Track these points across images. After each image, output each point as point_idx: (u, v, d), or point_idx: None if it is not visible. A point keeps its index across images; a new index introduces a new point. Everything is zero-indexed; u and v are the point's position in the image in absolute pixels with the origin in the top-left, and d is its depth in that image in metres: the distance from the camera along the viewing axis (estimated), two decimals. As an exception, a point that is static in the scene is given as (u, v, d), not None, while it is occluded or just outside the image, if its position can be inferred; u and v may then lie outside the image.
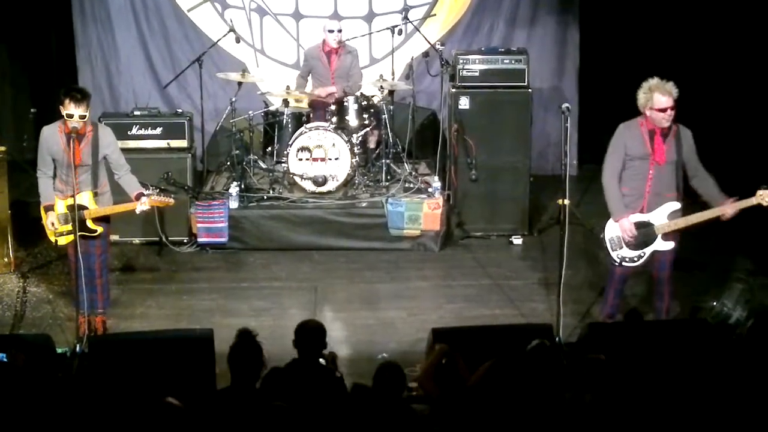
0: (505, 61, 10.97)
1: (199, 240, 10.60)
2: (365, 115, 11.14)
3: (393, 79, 11.59)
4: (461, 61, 10.95)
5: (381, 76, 11.36)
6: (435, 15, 12.70)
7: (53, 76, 12.92)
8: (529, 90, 10.93)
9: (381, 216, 10.67)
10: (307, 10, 12.83)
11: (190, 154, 10.95)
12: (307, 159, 10.81)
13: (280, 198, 10.86)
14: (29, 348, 7.42)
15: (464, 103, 10.91)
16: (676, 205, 8.16)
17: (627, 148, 8.18)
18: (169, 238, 10.58)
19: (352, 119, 11.09)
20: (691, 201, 8.30)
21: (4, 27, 12.78)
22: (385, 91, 11.25)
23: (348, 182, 10.98)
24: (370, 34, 12.56)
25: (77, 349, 7.92)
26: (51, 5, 12.73)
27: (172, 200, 8.60)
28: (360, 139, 11.09)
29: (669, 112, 8.02)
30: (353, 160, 10.84)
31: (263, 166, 11.29)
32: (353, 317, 9.21)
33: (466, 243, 10.87)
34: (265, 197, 10.86)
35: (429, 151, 11.75)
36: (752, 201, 7.93)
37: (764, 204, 7.89)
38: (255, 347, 6.24)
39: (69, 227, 8.23)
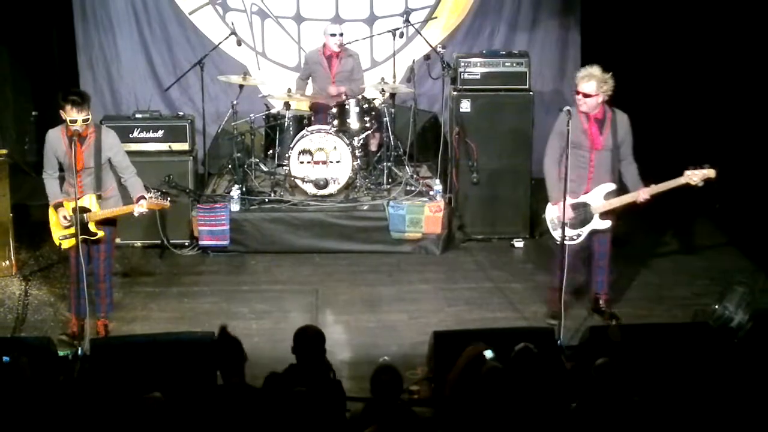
0: (506, 63, 10.97)
1: (201, 243, 10.60)
2: (366, 118, 11.14)
3: (394, 82, 11.58)
4: (462, 63, 10.96)
5: (382, 79, 11.36)
6: (436, 18, 12.70)
7: (55, 80, 12.92)
8: (531, 93, 10.94)
9: (382, 219, 10.67)
10: (308, 13, 12.83)
11: (191, 157, 10.95)
12: (309, 162, 10.80)
13: (282, 201, 10.86)
14: (31, 351, 7.43)
15: (465, 106, 10.91)
16: (612, 186, 8.61)
17: (564, 135, 8.39)
18: (171, 241, 10.59)
19: (353, 122, 11.10)
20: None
21: (6, 30, 12.77)
22: (387, 94, 11.26)
23: (349, 185, 10.98)
24: (371, 37, 12.56)
25: (79, 352, 7.92)
26: (52, 9, 12.74)
27: (167, 203, 8.59)
28: (361, 142, 11.09)
29: (583, 98, 8.49)
30: (354, 163, 10.84)
31: (264, 169, 11.30)
32: (354, 320, 9.21)
33: (468, 246, 10.87)
34: (267, 200, 10.86)
35: (430, 154, 11.75)
36: (681, 181, 8.49)
37: (692, 183, 8.43)
38: (234, 342, 6.40)
39: (72, 230, 8.23)
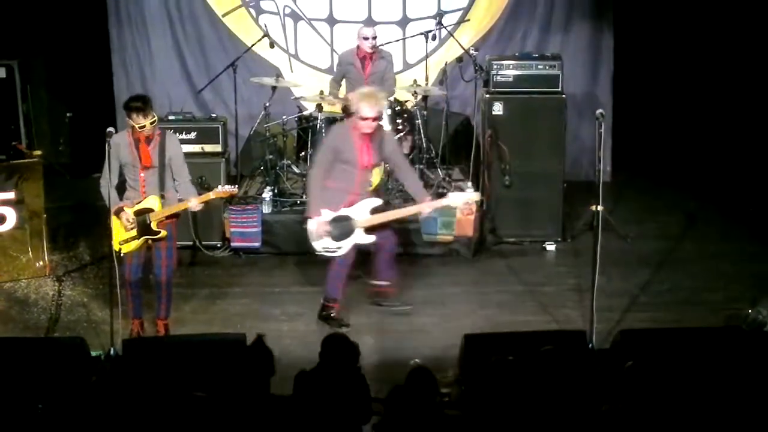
0: (539, 66, 10.94)
1: (233, 244, 10.64)
2: (399, 121, 11.13)
3: (427, 84, 11.57)
4: (495, 66, 10.94)
5: (415, 81, 11.36)
6: (469, 20, 12.68)
7: (89, 81, 13.01)
8: (563, 96, 10.91)
9: (414, 221, 10.66)
10: (341, 15, 12.85)
11: (223, 159, 10.99)
12: (341, 164, 10.80)
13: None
14: (64, 351, 7.49)
15: (498, 108, 10.89)
16: (378, 201, 8.86)
17: (337, 150, 8.72)
18: (203, 243, 10.63)
19: (385, 124, 11.06)
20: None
21: (41, 33, 12.88)
22: (419, 97, 11.24)
23: (381, 187, 10.95)
24: (404, 39, 12.57)
25: (111, 352, 7.97)
26: (87, 11, 12.81)
27: (235, 189, 8.75)
28: (393, 144, 11.07)
29: (371, 121, 8.60)
30: (386, 165, 10.83)
31: (296, 170, 11.31)
32: (386, 322, 9.20)
33: (499, 249, 10.84)
34: (299, 202, 10.87)
35: (462, 157, 11.74)
36: (443, 202, 8.92)
37: (452, 206, 8.93)
38: (266, 353, 6.44)
39: (133, 233, 8.38)
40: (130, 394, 6.72)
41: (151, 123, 8.26)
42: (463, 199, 8.91)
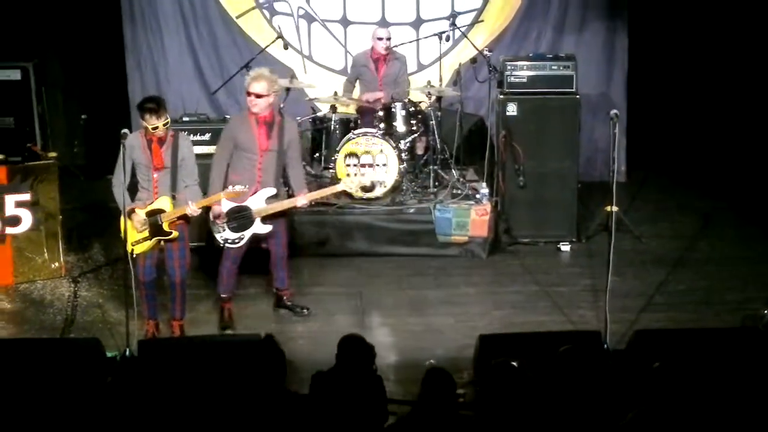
0: (553, 67, 10.92)
1: (247, 245, 10.63)
2: (413, 121, 11.13)
3: (441, 85, 11.57)
4: (509, 67, 10.93)
5: (429, 82, 11.36)
6: (483, 21, 12.67)
7: (103, 83, 13.04)
8: (578, 96, 10.89)
9: (428, 222, 10.66)
10: (354, 16, 12.85)
11: (238, 160, 10.99)
12: (355, 165, 10.81)
13: (327, 204, 10.85)
14: (79, 352, 7.50)
15: (512, 109, 10.88)
16: (272, 191, 8.84)
17: (236, 139, 8.79)
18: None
19: (399, 125, 11.09)
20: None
21: (56, 34, 12.91)
22: (433, 98, 11.23)
23: (395, 188, 10.96)
24: (417, 40, 12.57)
25: (126, 353, 7.98)
26: (101, 12, 12.84)
27: (245, 188, 8.68)
28: (408, 145, 11.08)
29: (254, 99, 8.64)
30: (401, 166, 10.83)
31: (311, 171, 11.32)
32: (400, 323, 9.19)
33: (514, 249, 10.83)
34: (313, 203, 10.86)
35: (477, 158, 11.73)
36: (338, 187, 9.26)
37: (350, 191, 9.52)
38: (277, 353, 6.37)
39: (145, 234, 8.40)
40: (146, 395, 6.74)
41: (164, 124, 8.28)
42: (356, 183, 9.23)
